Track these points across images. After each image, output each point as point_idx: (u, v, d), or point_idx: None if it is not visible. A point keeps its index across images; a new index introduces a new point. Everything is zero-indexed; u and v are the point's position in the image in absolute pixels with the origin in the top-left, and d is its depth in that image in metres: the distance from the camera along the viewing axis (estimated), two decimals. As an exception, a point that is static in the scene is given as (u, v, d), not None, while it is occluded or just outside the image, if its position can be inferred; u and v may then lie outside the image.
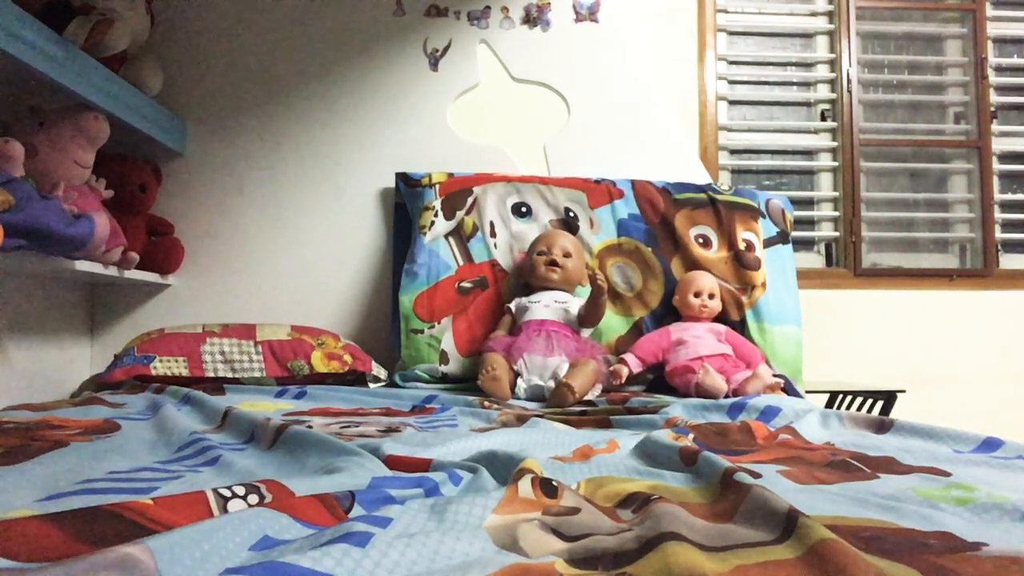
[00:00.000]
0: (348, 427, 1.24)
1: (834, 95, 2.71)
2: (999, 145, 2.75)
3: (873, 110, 2.80)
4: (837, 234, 2.68)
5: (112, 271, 1.88)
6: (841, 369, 2.47)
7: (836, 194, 2.68)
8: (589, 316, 1.87)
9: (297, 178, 2.34)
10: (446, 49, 2.41)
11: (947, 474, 0.88)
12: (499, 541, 0.61)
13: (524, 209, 2.18)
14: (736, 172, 2.72)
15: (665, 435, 1.04)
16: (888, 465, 0.95)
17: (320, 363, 1.92)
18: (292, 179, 2.34)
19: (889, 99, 2.79)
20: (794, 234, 2.34)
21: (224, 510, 0.64)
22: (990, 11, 2.77)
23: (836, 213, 2.68)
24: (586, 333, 1.93)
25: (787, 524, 0.61)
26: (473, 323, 2.01)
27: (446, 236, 2.12)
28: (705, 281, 1.98)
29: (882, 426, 1.23)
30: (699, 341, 1.85)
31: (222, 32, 2.36)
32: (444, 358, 1.97)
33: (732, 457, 0.96)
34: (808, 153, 2.75)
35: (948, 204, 2.79)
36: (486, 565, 0.55)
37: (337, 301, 2.32)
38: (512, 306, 1.97)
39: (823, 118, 2.73)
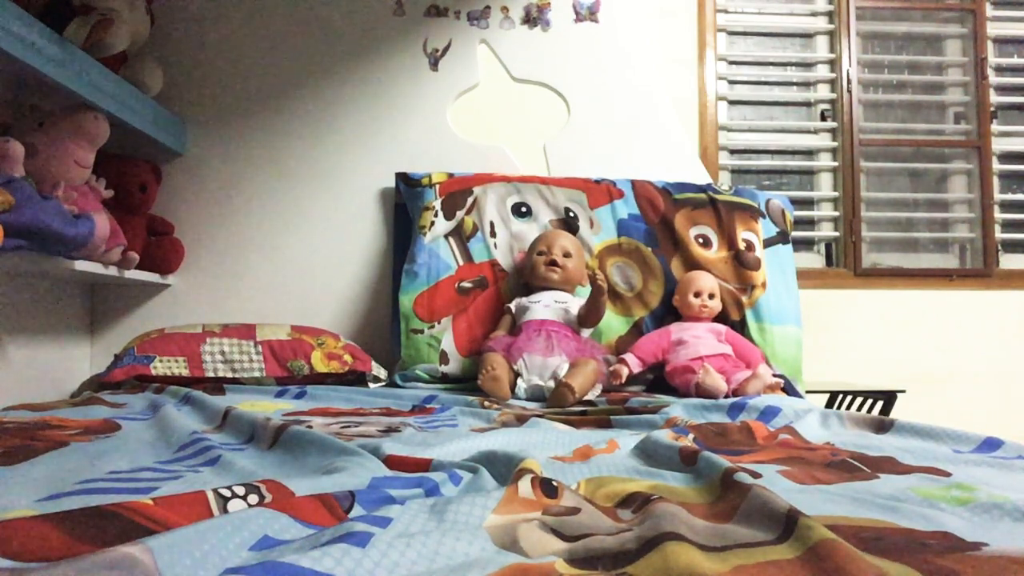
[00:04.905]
0: (348, 427, 1.24)
1: (834, 95, 2.71)
2: (999, 145, 2.75)
3: (873, 110, 2.80)
4: (837, 234, 2.68)
5: (112, 271, 1.88)
6: (841, 369, 2.47)
7: (836, 194, 2.68)
8: (589, 316, 1.87)
9: (297, 178, 2.34)
10: (446, 49, 2.41)
11: (947, 474, 0.88)
12: (499, 541, 0.61)
13: (524, 209, 2.18)
14: (736, 172, 2.72)
15: (665, 435, 1.04)
16: (888, 465, 0.95)
17: (320, 363, 1.92)
18: (292, 179, 2.34)
19: (889, 99, 2.79)
20: (794, 234, 2.34)
21: (224, 510, 0.64)
22: (990, 11, 2.77)
23: (836, 213, 2.68)
24: (586, 333, 1.93)
25: (787, 524, 0.61)
26: (473, 323, 2.01)
27: (446, 236, 2.12)
28: (705, 281, 1.98)
29: (882, 426, 1.23)
30: (699, 341, 1.85)
31: (222, 32, 2.35)
32: (444, 358, 1.97)
33: (732, 457, 0.96)
34: (808, 153, 2.75)
35: (948, 204, 2.79)
36: (486, 565, 0.55)
37: (337, 301, 2.32)
38: (512, 306, 1.97)
39: (823, 118, 2.73)
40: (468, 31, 2.42)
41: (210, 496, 0.66)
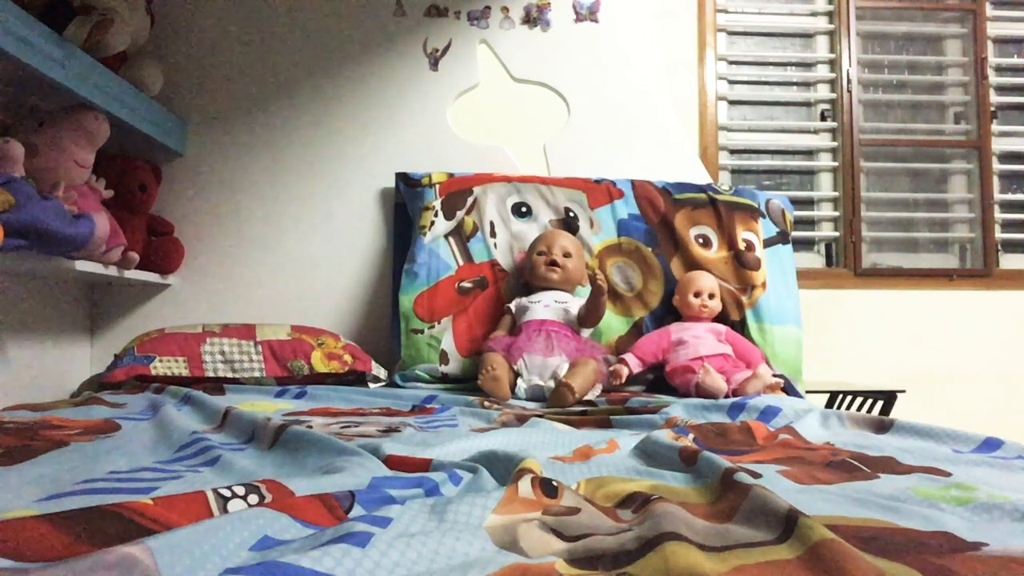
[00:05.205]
0: (348, 427, 1.24)
1: (834, 95, 2.71)
2: (999, 145, 2.75)
3: (873, 110, 2.80)
4: (837, 234, 2.68)
5: (112, 271, 1.88)
6: (841, 369, 2.47)
7: (836, 194, 2.68)
8: (589, 316, 1.87)
9: (297, 178, 2.34)
10: (446, 49, 2.41)
11: (947, 474, 0.88)
12: (499, 541, 0.61)
13: (524, 209, 2.18)
14: (736, 172, 2.72)
15: (665, 435, 1.04)
16: (888, 465, 0.95)
17: (320, 363, 1.92)
18: (292, 179, 2.34)
19: (889, 99, 2.79)
20: (794, 234, 2.34)
21: (224, 510, 0.64)
22: (990, 11, 2.77)
23: (836, 213, 2.68)
24: (586, 333, 1.93)
25: (787, 524, 0.61)
26: (473, 323, 2.01)
27: (446, 236, 2.12)
28: (705, 281, 1.98)
29: (882, 426, 1.23)
30: (699, 341, 1.85)
31: (222, 32, 2.36)
32: (444, 358, 1.97)
33: (732, 457, 0.96)
34: (808, 153, 2.75)
35: (948, 204, 2.79)
36: (486, 565, 0.55)
37: (337, 301, 2.32)
38: (512, 306, 1.97)
39: (823, 118, 2.73)
40: (468, 31, 2.42)
41: (210, 496, 0.66)
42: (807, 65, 2.79)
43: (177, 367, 1.85)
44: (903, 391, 2.03)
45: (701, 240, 2.14)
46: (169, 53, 2.30)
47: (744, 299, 2.05)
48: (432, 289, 2.04)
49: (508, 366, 1.75)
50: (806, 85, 2.79)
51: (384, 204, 2.36)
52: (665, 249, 2.13)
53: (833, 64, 2.72)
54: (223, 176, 2.33)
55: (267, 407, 1.49)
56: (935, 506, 0.74)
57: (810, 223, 2.71)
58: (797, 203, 2.51)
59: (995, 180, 2.72)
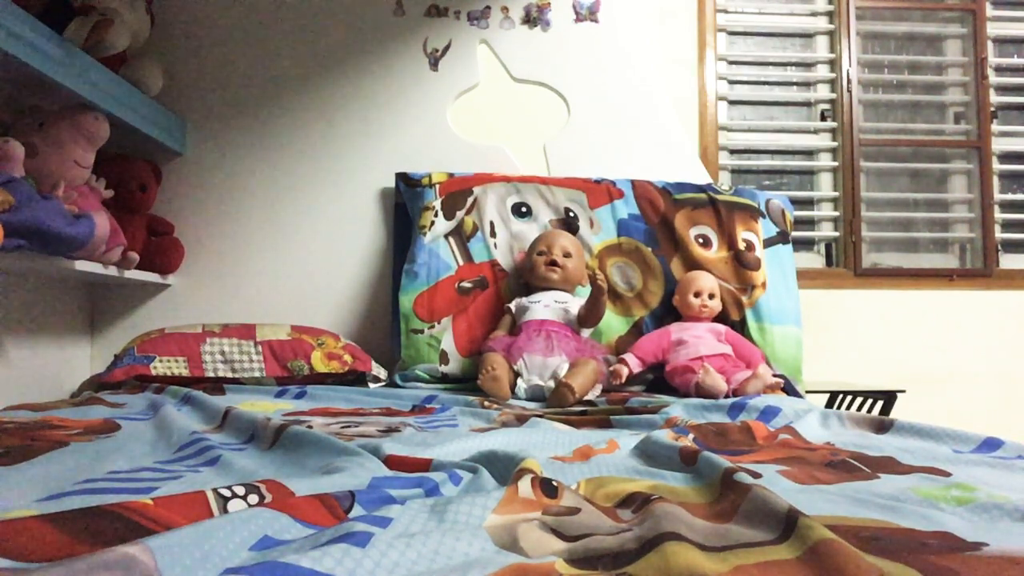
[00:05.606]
0: (348, 427, 1.24)
1: (834, 95, 2.71)
2: (999, 145, 2.75)
3: (873, 110, 2.80)
4: (837, 234, 2.68)
5: (112, 271, 1.88)
6: (841, 369, 2.47)
7: (836, 194, 2.68)
8: (589, 316, 1.87)
9: (297, 178, 2.34)
10: (446, 49, 2.41)
11: (947, 474, 0.88)
12: (499, 541, 0.61)
13: (524, 209, 2.18)
14: (736, 172, 2.72)
15: (665, 435, 1.04)
16: (888, 465, 0.95)
17: (320, 363, 1.92)
18: (292, 179, 2.34)
19: (889, 99, 2.79)
20: (794, 234, 2.34)
21: (224, 510, 0.64)
22: (990, 11, 2.77)
23: (836, 213, 2.68)
24: (586, 333, 1.93)
25: (787, 524, 0.61)
26: (473, 323, 2.01)
27: (446, 236, 2.12)
28: (705, 281, 1.98)
29: (882, 426, 1.23)
30: (699, 341, 1.85)
31: (222, 32, 2.36)
32: (444, 358, 1.97)
33: (732, 457, 0.96)
34: (808, 153, 2.75)
35: (948, 204, 2.79)
36: (486, 565, 0.55)
37: (337, 301, 2.32)
38: (512, 306, 1.97)
39: (823, 118, 2.73)
40: (468, 31, 2.42)
41: (210, 496, 0.66)
42: (807, 65, 2.79)
43: (177, 367, 1.85)
44: (903, 391, 2.03)
45: (701, 240, 2.14)
46: (169, 53, 2.30)
47: (744, 299, 2.05)
48: (432, 289, 2.04)
49: (508, 366, 1.75)
50: (806, 85, 2.79)
51: (384, 204, 2.36)
52: (665, 249, 2.13)
53: (833, 64, 2.72)
54: (223, 176, 2.33)
55: (267, 407, 1.49)
56: (935, 506, 0.74)
57: (810, 223, 2.71)
58: (797, 203, 2.51)
59: (995, 180, 2.72)
